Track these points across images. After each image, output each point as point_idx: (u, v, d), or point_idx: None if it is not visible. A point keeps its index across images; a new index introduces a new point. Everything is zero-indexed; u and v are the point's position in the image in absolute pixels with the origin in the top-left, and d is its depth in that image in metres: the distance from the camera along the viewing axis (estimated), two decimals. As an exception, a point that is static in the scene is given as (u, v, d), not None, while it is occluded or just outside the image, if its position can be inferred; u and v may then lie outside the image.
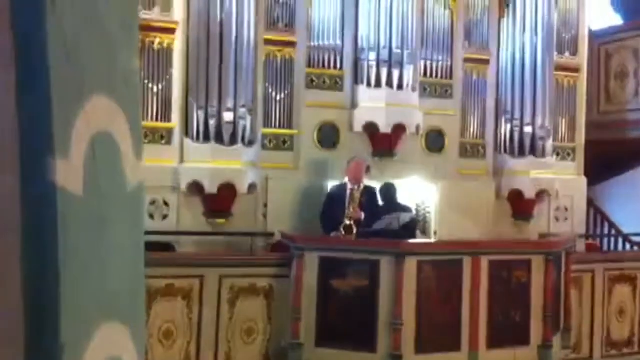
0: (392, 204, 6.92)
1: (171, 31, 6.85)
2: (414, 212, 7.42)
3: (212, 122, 6.77)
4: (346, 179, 6.92)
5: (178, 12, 6.88)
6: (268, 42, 7.25)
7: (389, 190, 7.01)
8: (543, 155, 8.11)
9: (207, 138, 6.79)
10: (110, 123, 0.88)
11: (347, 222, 6.50)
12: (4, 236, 0.78)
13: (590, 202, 9.18)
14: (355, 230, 6.50)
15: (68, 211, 0.80)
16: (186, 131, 6.88)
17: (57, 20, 0.77)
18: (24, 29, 0.76)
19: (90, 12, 0.84)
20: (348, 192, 6.74)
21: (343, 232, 6.49)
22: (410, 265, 6.12)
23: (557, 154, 8.41)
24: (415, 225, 7.18)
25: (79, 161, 0.83)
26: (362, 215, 6.58)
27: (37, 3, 0.76)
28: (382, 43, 7.34)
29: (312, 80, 7.48)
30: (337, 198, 6.80)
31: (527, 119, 8.05)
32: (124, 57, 0.90)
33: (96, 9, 0.85)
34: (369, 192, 6.81)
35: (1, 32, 0.76)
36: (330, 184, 7.34)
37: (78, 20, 0.81)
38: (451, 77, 7.99)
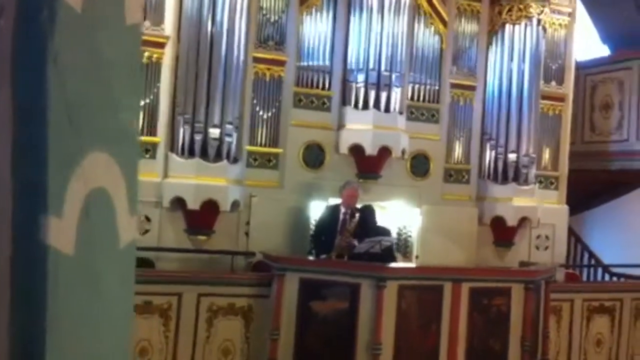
0: (370, 226, 6.88)
1: (161, 45, 6.81)
2: (394, 234, 7.41)
3: (197, 138, 6.72)
4: (339, 202, 6.90)
5: (169, 26, 6.85)
6: (257, 60, 7.24)
7: (366, 212, 6.98)
8: (526, 182, 8.16)
9: (192, 153, 6.75)
10: (106, 180, 0.85)
11: (335, 254, 6.48)
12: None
13: (571, 232, 9.23)
14: (346, 258, 6.48)
15: (58, 271, 0.77)
16: (171, 146, 6.83)
17: (59, 76, 0.74)
18: (24, 89, 0.73)
19: (94, 70, 0.81)
20: (341, 216, 6.72)
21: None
22: (391, 289, 6.10)
23: (540, 182, 8.46)
24: (392, 248, 7.14)
25: (72, 220, 0.80)
26: (355, 242, 6.53)
27: (39, 63, 0.73)
28: (371, 65, 7.35)
29: (300, 100, 7.48)
30: (329, 221, 6.77)
31: (512, 146, 8.11)
32: (125, 116, 0.88)
33: (100, 68, 0.82)
34: (362, 216, 6.75)
35: (1, 88, 0.73)
36: (314, 204, 7.32)
37: (81, 77, 0.78)
38: (438, 102, 8.03)
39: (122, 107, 0.87)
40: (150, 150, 6.79)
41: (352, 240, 6.52)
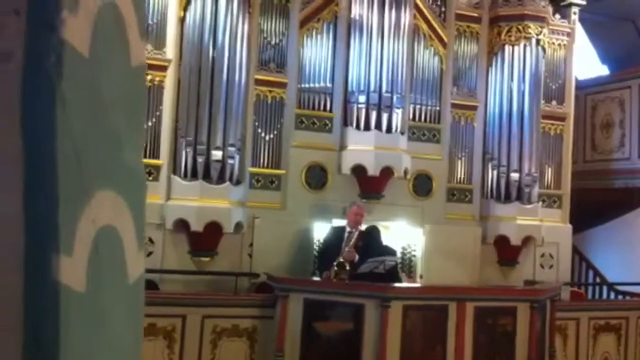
0: (376, 246, 6.89)
1: (163, 69, 6.87)
2: (399, 254, 7.40)
3: (200, 160, 6.76)
4: (345, 222, 6.91)
5: (170, 50, 6.91)
6: (259, 82, 7.29)
7: (372, 233, 7.00)
8: (529, 201, 8.17)
9: (194, 176, 6.78)
10: (114, 217, 0.87)
11: (341, 260, 6.47)
12: (5, 334, 0.76)
13: (575, 250, 9.21)
14: (347, 267, 6.46)
15: (70, 309, 0.79)
16: (174, 168, 6.86)
17: (67, 119, 0.76)
18: (34, 128, 0.76)
19: (99, 112, 0.83)
20: (346, 234, 6.74)
21: (336, 268, 6.44)
22: (396, 309, 6.09)
23: (543, 201, 8.47)
24: (396, 268, 7.14)
25: (82, 257, 0.82)
26: (357, 257, 6.54)
27: (48, 102, 0.75)
28: (372, 86, 7.40)
29: (302, 121, 7.52)
30: (334, 241, 6.78)
31: (514, 165, 8.12)
32: (130, 154, 0.90)
33: (105, 109, 0.85)
34: (366, 235, 6.79)
35: (11, 131, 0.76)
36: (317, 225, 7.33)
37: (87, 119, 0.81)
38: (439, 122, 8.07)
39: (128, 145, 0.90)
40: (153, 172, 6.83)
41: (353, 251, 6.51)
